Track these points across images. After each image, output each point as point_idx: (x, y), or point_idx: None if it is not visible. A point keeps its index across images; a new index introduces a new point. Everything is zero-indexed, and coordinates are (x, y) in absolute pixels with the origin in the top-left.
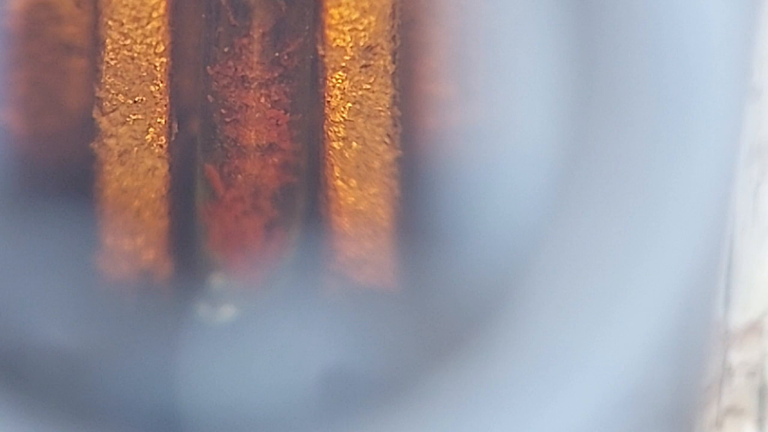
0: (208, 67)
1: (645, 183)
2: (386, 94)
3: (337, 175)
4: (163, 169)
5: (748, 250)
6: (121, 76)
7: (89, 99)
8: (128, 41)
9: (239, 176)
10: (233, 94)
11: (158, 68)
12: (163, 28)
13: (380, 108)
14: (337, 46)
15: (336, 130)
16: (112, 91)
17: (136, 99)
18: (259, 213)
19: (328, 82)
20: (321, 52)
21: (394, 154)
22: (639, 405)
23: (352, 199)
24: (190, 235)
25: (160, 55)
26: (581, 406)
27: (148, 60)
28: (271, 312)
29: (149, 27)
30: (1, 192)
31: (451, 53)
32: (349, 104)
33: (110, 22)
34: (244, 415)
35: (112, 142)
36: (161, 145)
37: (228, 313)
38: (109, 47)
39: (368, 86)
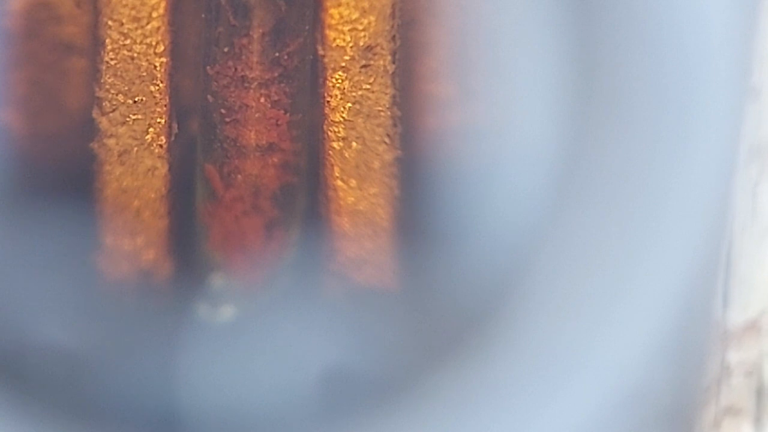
0: (208, 67)
1: (645, 183)
2: (386, 94)
3: (337, 175)
4: (162, 169)
5: (747, 250)
6: (121, 76)
7: (89, 99)
8: (128, 41)
9: (239, 176)
10: (233, 94)
11: (158, 68)
12: (162, 28)
13: (380, 108)
14: (337, 46)
15: (336, 130)
16: (112, 91)
17: (136, 99)
18: (259, 213)
19: (328, 82)
20: (321, 52)
21: (394, 154)
22: (639, 405)
23: (352, 199)
24: (190, 235)
25: (160, 55)
26: (581, 406)
27: (148, 60)
28: (271, 312)
29: (149, 27)
30: (1, 192)
31: (451, 53)
32: (349, 104)
33: (110, 22)
34: (244, 415)
35: (112, 142)
36: (161, 145)
37: (228, 313)
38: (109, 47)
39: (368, 86)
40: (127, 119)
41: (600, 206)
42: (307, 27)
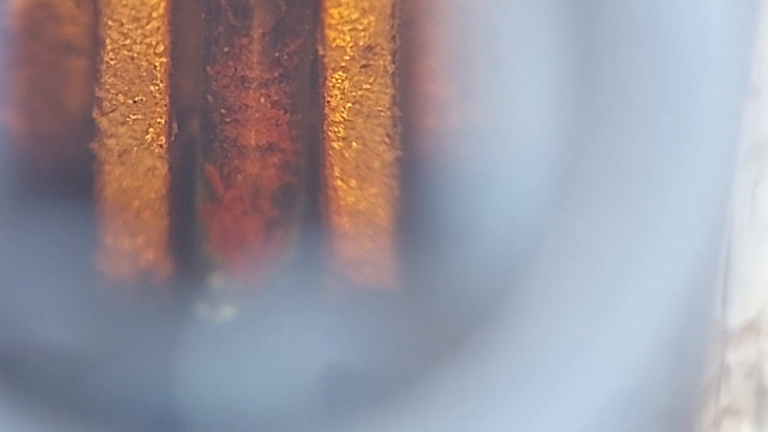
0: (208, 67)
1: (644, 183)
2: (386, 94)
3: (337, 175)
4: (163, 169)
5: (746, 250)
6: (121, 76)
7: (89, 99)
8: (128, 41)
9: (239, 176)
10: (233, 94)
11: (158, 68)
12: (162, 28)
13: (380, 108)
14: (337, 46)
15: (336, 130)
16: (112, 91)
17: (136, 99)
18: (259, 213)
19: (328, 82)
20: (321, 52)
21: (394, 154)
22: (639, 405)
23: (352, 199)
24: (190, 235)
25: (160, 55)
26: (581, 406)
27: (147, 60)
28: (271, 312)
29: (149, 27)
30: (1, 192)
31: (451, 53)
32: (349, 104)
33: (110, 22)
34: (244, 415)
35: (112, 142)
36: (161, 145)
37: (228, 313)
38: (109, 47)
39: (368, 86)
40: (127, 119)
41: (600, 206)
42: (307, 27)
